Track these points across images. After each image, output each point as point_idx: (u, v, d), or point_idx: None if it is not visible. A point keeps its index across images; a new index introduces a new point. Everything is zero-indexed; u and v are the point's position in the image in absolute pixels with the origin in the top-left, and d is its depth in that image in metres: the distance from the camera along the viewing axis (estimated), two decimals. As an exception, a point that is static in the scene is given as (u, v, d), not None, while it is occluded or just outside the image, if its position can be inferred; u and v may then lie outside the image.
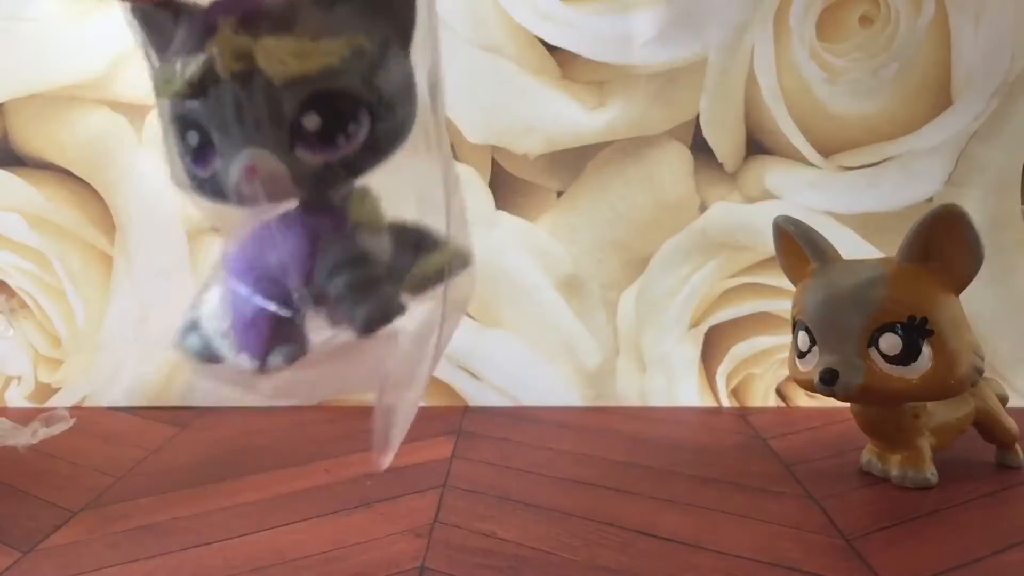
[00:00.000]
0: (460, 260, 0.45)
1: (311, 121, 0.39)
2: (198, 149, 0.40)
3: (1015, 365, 0.82)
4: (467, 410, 0.84)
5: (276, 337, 0.42)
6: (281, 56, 0.39)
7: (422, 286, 0.43)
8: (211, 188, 0.41)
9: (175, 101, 0.40)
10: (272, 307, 0.42)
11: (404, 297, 0.43)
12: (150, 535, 0.55)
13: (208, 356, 0.43)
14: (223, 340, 0.43)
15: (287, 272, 0.41)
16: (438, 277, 0.44)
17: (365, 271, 0.42)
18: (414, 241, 0.44)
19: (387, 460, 0.46)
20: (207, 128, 0.39)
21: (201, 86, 0.39)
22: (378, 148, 0.42)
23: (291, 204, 0.42)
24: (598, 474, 0.65)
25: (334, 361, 0.44)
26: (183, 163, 0.41)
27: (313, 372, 0.44)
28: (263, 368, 0.42)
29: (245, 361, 0.42)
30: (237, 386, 0.46)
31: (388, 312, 0.42)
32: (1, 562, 0.52)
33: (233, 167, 0.39)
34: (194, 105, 0.39)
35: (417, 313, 0.44)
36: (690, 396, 0.84)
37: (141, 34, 0.42)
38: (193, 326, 0.44)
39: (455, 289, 0.45)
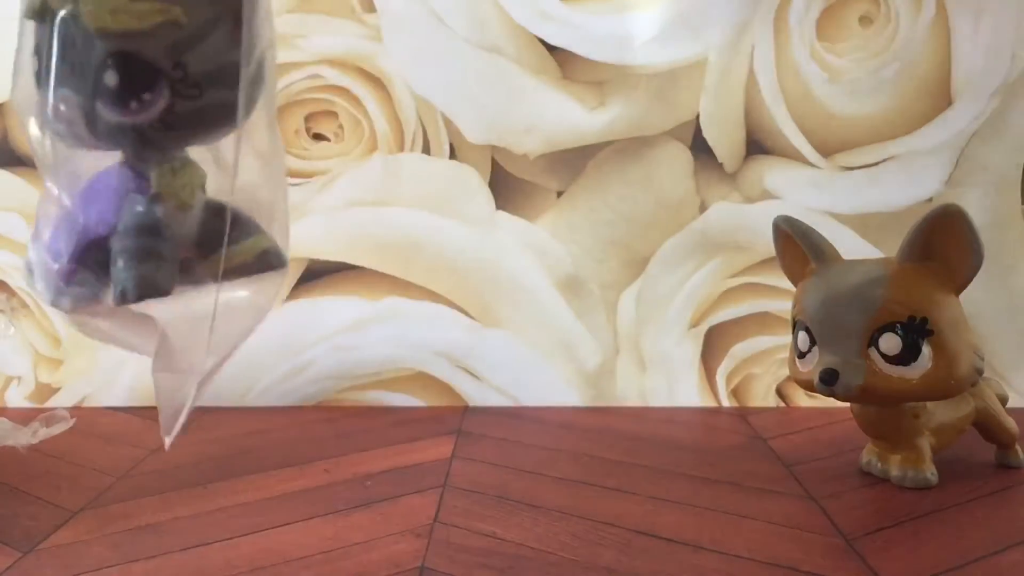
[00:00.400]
0: (276, 256, 0.46)
1: (109, 77, 0.40)
2: (37, 74, 0.41)
3: (1015, 365, 0.82)
4: (467, 410, 0.84)
5: (72, 281, 0.43)
6: (99, 6, 0.39)
7: (235, 269, 0.44)
8: (39, 115, 0.42)
9: (24, 18, 0.41)
10: (67, 253, 0.43)
11: (200, 279, 0.43)
12: (150, 535, 0.55)
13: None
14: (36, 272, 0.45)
15: (98, 223, 0.43)
16: (253, 263, 0.44)
17: (146, 241, 0.42)
18: (232, 225, 0.44)
19: (167, 442, 0.48)
20: (42, 57, 0.41)
21: (40, 13, 0.40)
22: (176, 126, 0.42)
23: (115, 158, 0.43)
24: (598, 474, 0.66)
25: (113, 318, 0.44)
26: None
27: (102, 322, 0.45)
28: (53, 303, 0.43)
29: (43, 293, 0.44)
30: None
31: (149, 288, 0.42)
32: (1, 562, 0.52)
33: (50, 99, 0.41)
34: (40, 32, 0.41)
35: (195, 304, 0.44)
36: (690, 396, 0.84)
37: None
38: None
39: (260, 292, 0.45)
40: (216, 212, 0.44)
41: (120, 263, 0.41)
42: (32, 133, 0.44)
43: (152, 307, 0.44)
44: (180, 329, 0.46)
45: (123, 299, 0.42)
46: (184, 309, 0.44)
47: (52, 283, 0.43)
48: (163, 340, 0.46)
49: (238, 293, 0.45)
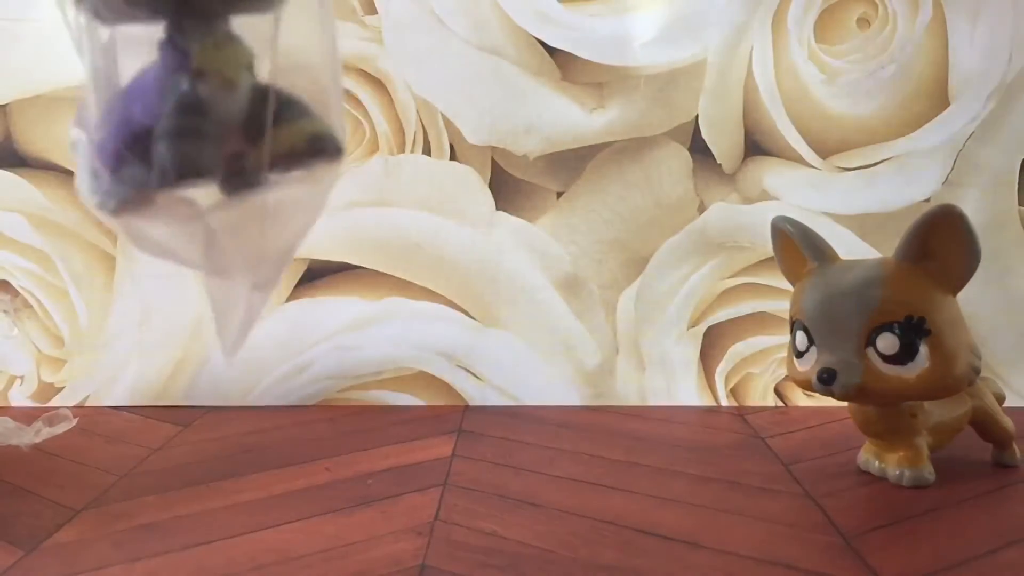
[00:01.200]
0: (331, 141, 0.42)
1: None
2: None
3: (1012, 364, 0.82)
4: (467, 409, 0.84)
5: (119, 175, 0.41)
6: None
7: (285, 155, 0.41)
8: None
9: None
10: (112, 147, 0.40)
11: (250, 175, 0.41)
12: (152, 533, 0.56)
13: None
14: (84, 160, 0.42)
15: (144, 113, 0.40)
16: (304, 148, 0.41)
17: (187, 120, 0.40)
18: (281, 105, 0.41)
19: (229, 360, 0.45)
20: None
21: None
22: None
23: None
24: (598, 473, 0.66)
25: (163, 221, 0.42)
26: None
27: (153, 228, 0.42)
28: (100, 205, 0.40)
29: (102, 171, 0.41)
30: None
31: (190, 167, 0.40)
32: (5, 560, 0.52)
33: None
34: None
35: (245, 203, 0.42)
36: (689, 395, 0.85)
37: None
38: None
39: (313, 184, 0.42)
40: (264, 96, 0.41)
41: (161, 145, 0.39)
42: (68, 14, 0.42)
43: (201, 201, 0.42)
44: (230, 228, 0.42)
45: (163, 180, 0.39)
46: (234, 208, 0.41)
47: (99, 183, 0.41)
48: (211, 240, 0.43)
49: (290, 189, 0.42)
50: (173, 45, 0.41)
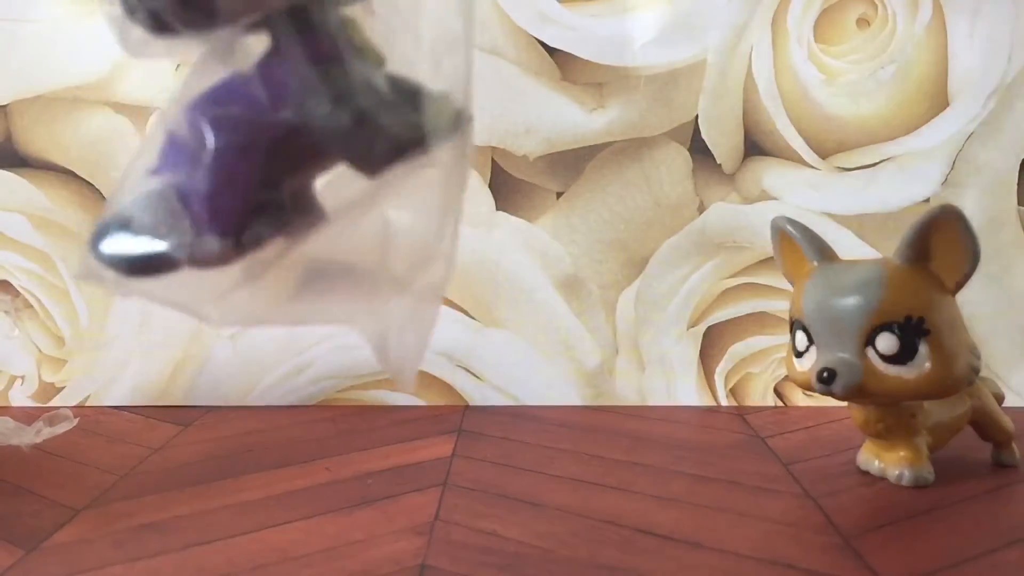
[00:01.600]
0: (468, 117, 0.36)
1: None
2: None
3: (1012, 364, 0.82)
4: (467, 409, 0.84)
5: (256, 204, 0.33)
6: None
7: (431, 135, 0.34)
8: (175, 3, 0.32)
9: None
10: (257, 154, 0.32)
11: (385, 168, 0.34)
12: (153, 533, 0.56)
13: (140, 260, 0.34)
14: (164, 232, 0.33)
15: (264, 115, 0.33)
16: (447, 128, 0.35)
17: (374, 100, 0.33)
18: (409, 87, 0.35)
19: (410, 389, 0.38)
20: None
21: None
22: None
23: (263, 46, 0.34)
24: (598, 472, 0.66)
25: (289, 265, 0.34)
26: None
27: (285, 277, 0.34)
28: (238, 246, 0.32)
29: (211, 243, 0.32)
30: (178, 305, 0.36)
31: (412, 140, 0.33)
32: (5, 560, 0.52)
33: None
34: None
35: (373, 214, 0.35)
36: (689, 395, 0.85)
37: None
38: (114, 225, 0.35)
39: (457, 160, 0.36)
40: (396, 80, 0.34)
41: (361, 128, 0.32)
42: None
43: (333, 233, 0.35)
44: (372, 240, 0.36)
45: (389, 156, 0.33)
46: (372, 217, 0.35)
47: (225, 214, 0.32)
48: (346, 276, 0.36)
49: (429, 174, 0.35)
50: (294, 33, 0.33)
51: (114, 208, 0.35)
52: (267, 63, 0.34)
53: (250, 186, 0.33)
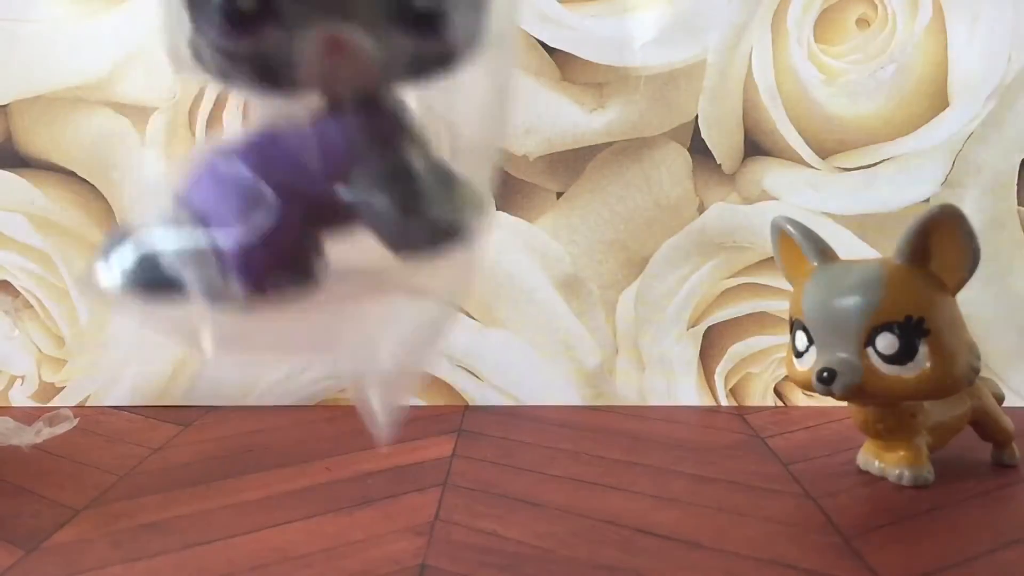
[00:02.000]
0: (490, 205, 0.37)
1: None
2: (241, 14, 0.31)
3: (1011, 364, 0.82)
4: (467, 409, 0.84)
5: (285, 260, 0.33)
6: None
7: (465, 231, 0.36)
8: (248, 67, 0.32)
9: None
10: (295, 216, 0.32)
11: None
12: (153, 533, 0.56)
13: (149, 280, 0.34)
14: (183, 261, 0.33)
15: (310, 178, 0.33)
16: (474, 218, 0.36)
17: (414, 186, 0.34)
18: (445, 174, 0.35)
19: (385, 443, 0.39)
20: None
21: None
22: (463, 46, 0.34)
23: (320, 103, 0.34)
24: (598, 472, 0.66)
25: (340, 299, 0.35)
26: (205, 32, 0.32)
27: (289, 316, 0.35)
28: (262, 296, 0.32)
29: (236, 290, 0.32)
30: (173, 331, 0.36)
31: (453, 229, 0.34)
32: (5, 560, 0.52)
33: (305, 40, 0.31)
34: None
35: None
36: (689, 395, 0.85)
37: None
38: (132, 242, 0.35)
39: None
40: (435, 165, 0.35)
41: (401, 213, 0.33)
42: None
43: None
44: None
45: (434, 240, 0.33)
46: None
47: (255, 264, 0.32)
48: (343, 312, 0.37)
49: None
50: (364, 97, 0.33)
51: (135, 224, 0.35)
52: (324, 123, 0.34)
53: (285, 244, 0.33)
